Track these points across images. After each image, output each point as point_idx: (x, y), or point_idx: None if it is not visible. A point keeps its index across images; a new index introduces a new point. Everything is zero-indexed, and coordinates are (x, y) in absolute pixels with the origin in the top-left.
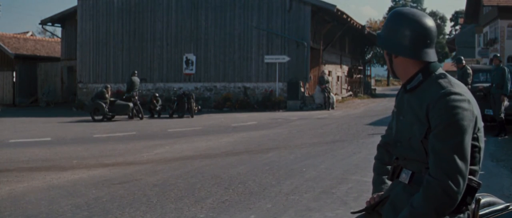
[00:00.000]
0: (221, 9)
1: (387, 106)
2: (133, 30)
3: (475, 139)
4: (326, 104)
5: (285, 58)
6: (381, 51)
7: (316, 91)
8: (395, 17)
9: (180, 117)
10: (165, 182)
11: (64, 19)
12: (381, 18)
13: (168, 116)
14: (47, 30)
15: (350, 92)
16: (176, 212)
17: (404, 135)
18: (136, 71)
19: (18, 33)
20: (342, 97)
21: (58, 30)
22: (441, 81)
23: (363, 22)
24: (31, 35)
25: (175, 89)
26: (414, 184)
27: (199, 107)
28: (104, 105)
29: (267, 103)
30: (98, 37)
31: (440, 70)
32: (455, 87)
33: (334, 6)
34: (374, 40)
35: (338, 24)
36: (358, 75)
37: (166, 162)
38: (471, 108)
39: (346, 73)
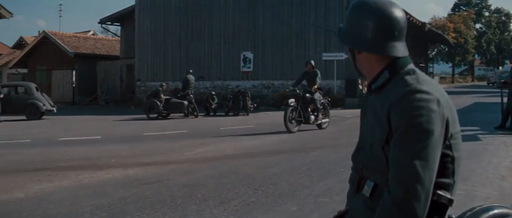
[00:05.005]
0: (279, 7)
1: None
2: (190, 28)
3: (448, 146)
4: None
5: (343, 56)
6: (445, 48)
7: None
8: (356, 6)
9: (236, 115)
10: (196, 182)
11: (123, 18)
12: (445, 15)
13: (223, 113)
14: (108, 30)
15: None
16: (196, 214)
17: (367, 141)
18: (191, 70)
19: (79, 33)
20: None
21: (118, 29)
22: (407, 77)
23: (426, 20)
24: (93, 34)
25: (231, 87)
26: (376, 198)
27: (255, 105)
28: (159, 103)
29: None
30: (156, 36)
31: (410, 66)
32: (422, 85)
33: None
34: (436, 38)
35: None
36: None
37: (205, 161)
38: (440, 110)
39: None
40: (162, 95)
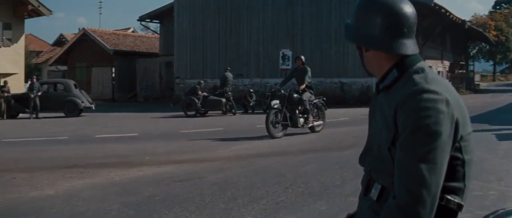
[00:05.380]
0: (317, 4)
1: (486, 102)
2: (229, 26)
3: (457, 149)
4: None
5: None
6: (486, 47)
7: None
8: (364, 2)
9: None
10: (227, 181)
11: (162, 15)
12: (486, 13)
13: (262, 111)
14: (148, 27)
15: None
16: (224, 213)
17: (374, 142)
18: (229, 68)
19: (119, 30)
20: None
21: (158, 26)
22: (415, 76)
23: (468, 17)
24: (132, 31)
25: (269, 85)
26: (383, 202)
27: None
28: (196, 101)
29: (364, 99)
30: (195, 33)
31: (420, 64)
32: (430, 84)
33: (431, 0)
34: (477, 36)
35: (437, 19)
36: (460, 71)
37: (238, 159)
38: (449, 110)
39: (447, 69)
40: (200, 93)
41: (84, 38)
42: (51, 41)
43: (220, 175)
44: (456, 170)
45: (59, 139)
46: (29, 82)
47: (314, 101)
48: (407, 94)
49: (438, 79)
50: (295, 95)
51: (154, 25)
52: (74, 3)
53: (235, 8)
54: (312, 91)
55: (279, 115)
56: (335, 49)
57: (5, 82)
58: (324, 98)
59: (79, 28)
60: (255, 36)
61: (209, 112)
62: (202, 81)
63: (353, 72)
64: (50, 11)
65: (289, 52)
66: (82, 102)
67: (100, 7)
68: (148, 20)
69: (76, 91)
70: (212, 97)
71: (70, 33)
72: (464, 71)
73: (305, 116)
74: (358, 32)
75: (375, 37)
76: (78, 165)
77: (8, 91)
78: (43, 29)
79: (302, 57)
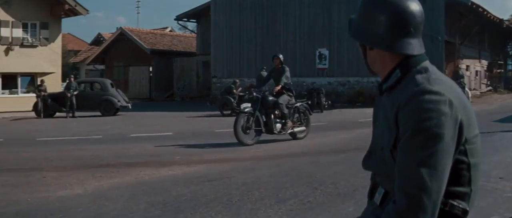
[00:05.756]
0: (354, 3)
1: None
2: (265, 25)
3: (462, 152)
4: None
5: None
6: None
7: None
8: None
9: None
10: (256, 181)
11: (199, 14)
12: None
13: None
14: (186, 27)
15: (490, 88)
16: (249, 214)
17: (378, 145)
18: (265, 67)
19: (157, 29)
20: (480, 92)
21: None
22: (418, 76)
23: (506, 16)
24: (170, 30)
25: (305, 84)
26: (386, 207)
27: (329, 102)
28: (232, 100)
29: None
30: (231, 32)
31: (424, 64)
32: (433, 84)
33: None
34: None
35: (475, 18)
36: (499, 70)
37: (269, 159)
38: (452, 112)
39: (485, 68)
40: (235, 92)
41: (122, 37)
42: (89, 41)
43: (249, 175)
44: (461, 174)
45: (94, 138)
46: (67, 81)
47: (295, 105)
48: (409, 95)
49: (442, 79)
50: (270, 98)
51: (192, 25)
52: (113, 2)
53: (272, 7)
54: (291, 94)
55: (251, 119)
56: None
57: (42, 81)
58: (308, 102)
59: (117, 28)
60: (291, 35)
61: None
62: (237, 81)
63: None
64: (87, 10)
65: (326, 51)
66: (119, 101)
67: (138, 7)
68: (185, 19)
69: (113, 90)
70: (247, 96)
71: (108, 33)
72: (502, 70)
73: (283, 121)
74: (362, 30)
75: (380, 35)
76: (109, 164)
77: (45, 91)
78: (82, 29)
79: (280, 56)
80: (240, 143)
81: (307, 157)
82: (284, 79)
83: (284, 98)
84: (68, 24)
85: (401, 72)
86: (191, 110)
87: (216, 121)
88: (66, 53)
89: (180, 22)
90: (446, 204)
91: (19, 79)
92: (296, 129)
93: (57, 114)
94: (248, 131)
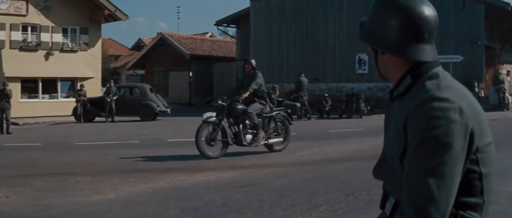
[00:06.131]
0: None
1: None
2: (305, 30)
3: (474, 161)
4: (501, 105)
5: (458, 58)
6: None
7: (491, 91)
8: (383, 1)
9: (349, 117)
10: (289, 187)
11: (239, 20)
12: None
13: (337, 116)
14: (226, 33)
15: None
16: None
17: (388, 153)
18: (303, 72)
19: (197, 34)
20: None
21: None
22: (428, 83)
23: None
24: (210, 36)
25: (344, 89)
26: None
27: (369, 107)
28: (271, 106)
29: None
30: (271, 38)
31: (435, 70)
32: (442, 91)
33: (509, 4)
34: None
35: None
36: None
37: (304, 164)
38: (462, 120)
39: None
40: (274, 97)
41: (162, 42)
42: (130, 46)
43: (283, 181)
44: (473, 184)
45: (131, 143)
46: (107, 86)
47: (271, 114)
48: (417, 103)
49: (453, 86)
50: (239, 106)
51: (232, 30)
52: (155, 8)
53: (311, 12)
54: (264, 102)
55: (216, 129)
56: None
57: (82, 86)
58: (288, 111)
59: (157, 33)
60: (331, 40)
61: None
62: (276, 86)
63: None
64: (127, 15)
65: (365, 57)
66: (158, 106)
67: (178, 12)
68: (225, 24)
69: (152, 95)
70: (286, 102)
71: (149, 38)
72: None
73: (255, 131)
74: (374, 34)
75: (392, 40)
76: (143, 169)
77: (85, 95)
78: (123, 34)
79: (252, 61)
80: (203, 156)
81: (343, 162)
82: (253, 86)
83: (254, 107)
84: (109, 29)
85: (412, 78)
86: None
87: None
88: (107, 58)
89: (220, 27)
90: (457, 215)
91: (59, 84)
92: (271, 140)
93: (97, 119)
94: (212, 143)
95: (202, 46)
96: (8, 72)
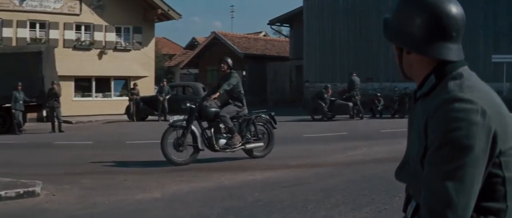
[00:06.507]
0: None
1: None
2: (358, 29)
3: (497, 165)
4: None
5: None
6: None
7: None
8: None
9: (401, 117)
10: (335, 187)
11: (292, 19)
12: None
13: (389, 116)
14: (280, 32)
15: None
16: None
17: (410, 155)
18: (355, 72)
19: (250, 34)
20: None
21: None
22: (450, 83)
23: None
24: (264, 35)
25: (397, 89)
26: None
27: None
28: (323, 105)
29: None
30: (324, 37)
31: (460, 70)
32: (464, 92)
33: None
34: None
35: None
36: None
37: (352, 164)
38: (485, 122)
39: None
40: (326, 97)
41: (215, 42)
42: (185, 45)
43: (329, 181)
44: (496, 188)
45: None
46: (160, 85)
47: (249, 117)
48: (438, 104)
49: (477, 86)
50: (211, 109)
51: (286, 29)
52: (210, 7)
53: (364, 12)
54: (240, 104)
55: (185, 133)
56: (464, 53)
57: (135, 84)
58: (272, 113)
59: (211, 32)
60: (384, 39)
61: (336, 116)
62: (328, 85)
63: (482, 77)
64: (180, 15)
65: None
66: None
67: (232, 11)
68: (278, 24)
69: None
70: (339, 101)
71: (202, 37)
72: None
73: (229, 135)
74: (399, 32)
75: (419, 39)
76: (191, 168)
77: (138, 94)
78: (178, 33)
79: (228, 60)
80: (169, 161)
81: (391, 163)
82: (225, 87)
83: (228, 110)
84: (164, 28)
85: (436, 78)
86: (283, 114)
87: (306, 125)
88: (161, 57)
89: (273, 26)
90: None
91: (112, 83)
92: (249, 145)
93: (149, 117)
94: (181, 148)
95: (255, 46)
96: (61, 71)
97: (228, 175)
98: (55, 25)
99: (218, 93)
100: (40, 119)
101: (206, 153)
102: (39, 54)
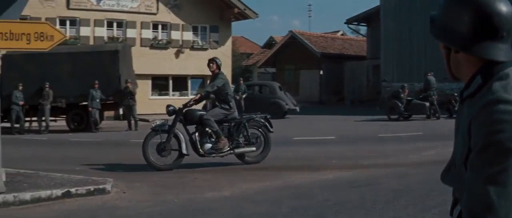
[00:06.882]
0: None
1: None
2: None
3: None
4: None
5: None
6: None
7: None
8: None
9: None
10: (405, 187)
11: (369, 18)
12: None
13: None
14: (357, 31)
15: None
16: None
17: (456, 158)
18: (430, 72)
19: (328, 33)
20: None
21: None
22: (495, 84)
23: None
24: (342, 34)
25: None
26: None
27: None
28: (400, 104)
29: None
30: (401, 36)
31: (507, 70)
32: (510, 93)
33: None
34: None
35: None
36: None
37: (425, 165)
38: None
39: None
40: (403, 96)
41: (292, 41)
42: (262, 44)
43: (400, 181)
44: None
45: None
46: (237, 84)
47: (241, 121)
48: (482, 105)
49: None
50: (197, 112)
51: (364, 29)
52: (287, 6)
53: None
54: (227, 106)
55: (169, 138)
56: None
57: None
58: (268, 116)
59: (288, 31)
60: None
61: (413, 116)
62: (405, 85)
63: None
64: (256, 14)
65: None
66: (286, 104)
67: (309, 10)
68: (356, 23)
69: (281, 93)
70: (415, 101)
71: (280, 36)
72: None
73: (215, 140)
74: (447, 30)
75: (467, 38)
76: (264, 167)
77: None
78: (256, 32)
79: (217, 60)
80: (150, 166)
81: None
82: (208, 88)
83: (214, 112)
84: (242, 27)
85: (482, 79)
86: (360, 113)
87: (382, 125)
88: (239, 56)
89: (351, 26)
90: None
91: (189, 82)
92: (238, 150)
93: None
94: (163, 153)
95: (332, 45)
96: (138, 69)
97: (299, 175)
98: (132, 24)
99: (199, 95)
100: (117, 117)
101: (281, 150)
102: (116, 53)
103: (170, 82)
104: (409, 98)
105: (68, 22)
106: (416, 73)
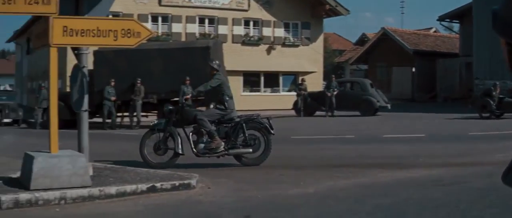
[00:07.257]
0: None
1: None
2: None
3: None
4: None
5: None
6: None
7: None
8: None
9: None
10: (491, 187)
11: (462, 15)
12: None
13: None
14: (450, 29)
15: None
16: None
17: None
18: None
19: (419, 30)
20: None
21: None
22: None
23: None
24: (434, 31)
25: None
26: None
27: None
28: (491, 102)
29: None
30: (494, 33)
31: None
32: None
33: None
34: None
35: None
36: None
37: None
38: None
39: None
40: (494, 94)
41: (385, 37)
42: (355, 41)
43: (486, 181)
44: None
45: (346, 138)
46: (329, 80)
47: (238, 122)
48: None
49: None
50: (194, 112)
51: (458, 26)
52: (380, 3)
53: None
54: (222, 107)
55: (166, 137)
56: None
57: (303, 80)
58: (268, 118)
59: (381, 28)
60: None
61: (505, 114)
62: (497, 83)
63: None
64: (348, 10)
65: None
66: (378, 101)
67: (402, 7)
68: (448, 20)
69: (372, 90)
70: (507, 99)
71: (372, 33)
72: None
73: (209, 140)
74: (509, 26)
75: None
76: (350, 165)
77: (305, 90)
78: (349, 29)
79: (214, 62)
80: (146, 164)
81: None
82: (200, 88)
83: (208, 112)
84: (335, 24)
85: None
86: (451, 111)
87: (473, 123)
88: (331, 53)
89: (443, 23)
90: None
91: (280, 78)
92: (233, 151)
93: (317, 113)
94: (159, 151)
95: (425, 42)
96: (230, 66)
97: (385, 172)
98: (223, 21)
99: (189, 95)
100: None
101: (369, 147)
102: (207, 49)
103: (262, 79)
104: (501, 96)
105: (160, 19)
106: (509, 71)
